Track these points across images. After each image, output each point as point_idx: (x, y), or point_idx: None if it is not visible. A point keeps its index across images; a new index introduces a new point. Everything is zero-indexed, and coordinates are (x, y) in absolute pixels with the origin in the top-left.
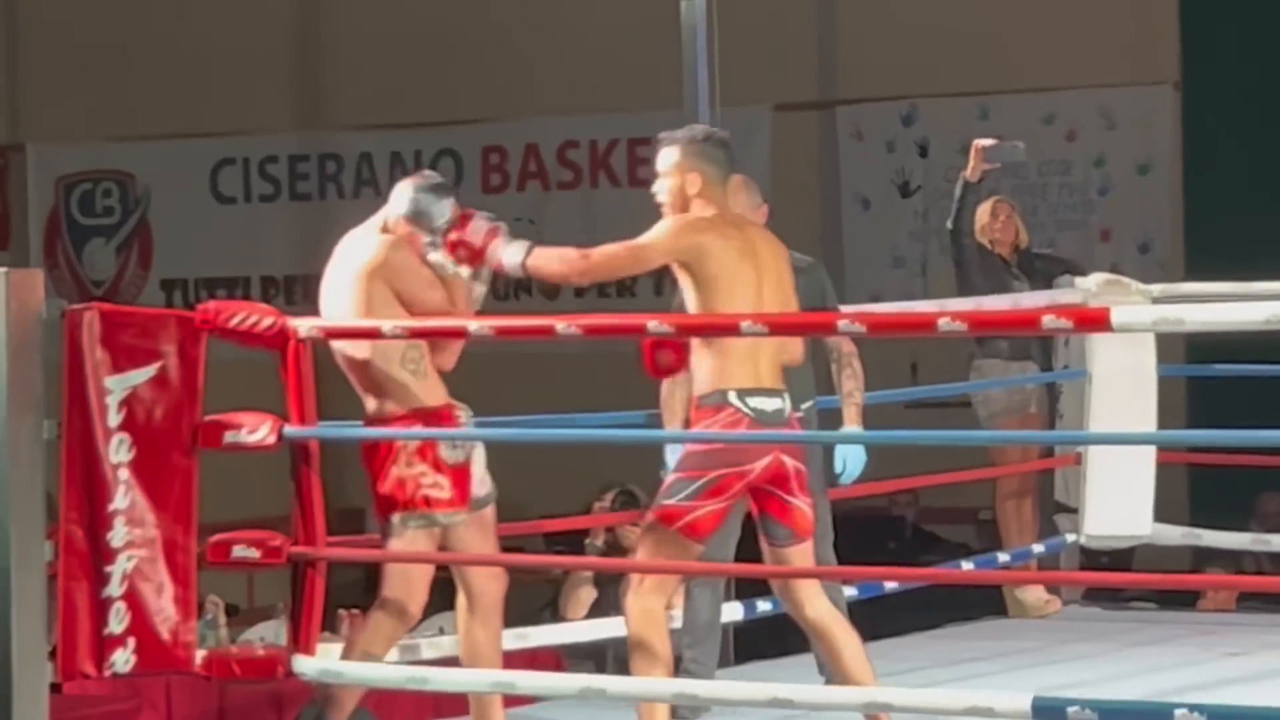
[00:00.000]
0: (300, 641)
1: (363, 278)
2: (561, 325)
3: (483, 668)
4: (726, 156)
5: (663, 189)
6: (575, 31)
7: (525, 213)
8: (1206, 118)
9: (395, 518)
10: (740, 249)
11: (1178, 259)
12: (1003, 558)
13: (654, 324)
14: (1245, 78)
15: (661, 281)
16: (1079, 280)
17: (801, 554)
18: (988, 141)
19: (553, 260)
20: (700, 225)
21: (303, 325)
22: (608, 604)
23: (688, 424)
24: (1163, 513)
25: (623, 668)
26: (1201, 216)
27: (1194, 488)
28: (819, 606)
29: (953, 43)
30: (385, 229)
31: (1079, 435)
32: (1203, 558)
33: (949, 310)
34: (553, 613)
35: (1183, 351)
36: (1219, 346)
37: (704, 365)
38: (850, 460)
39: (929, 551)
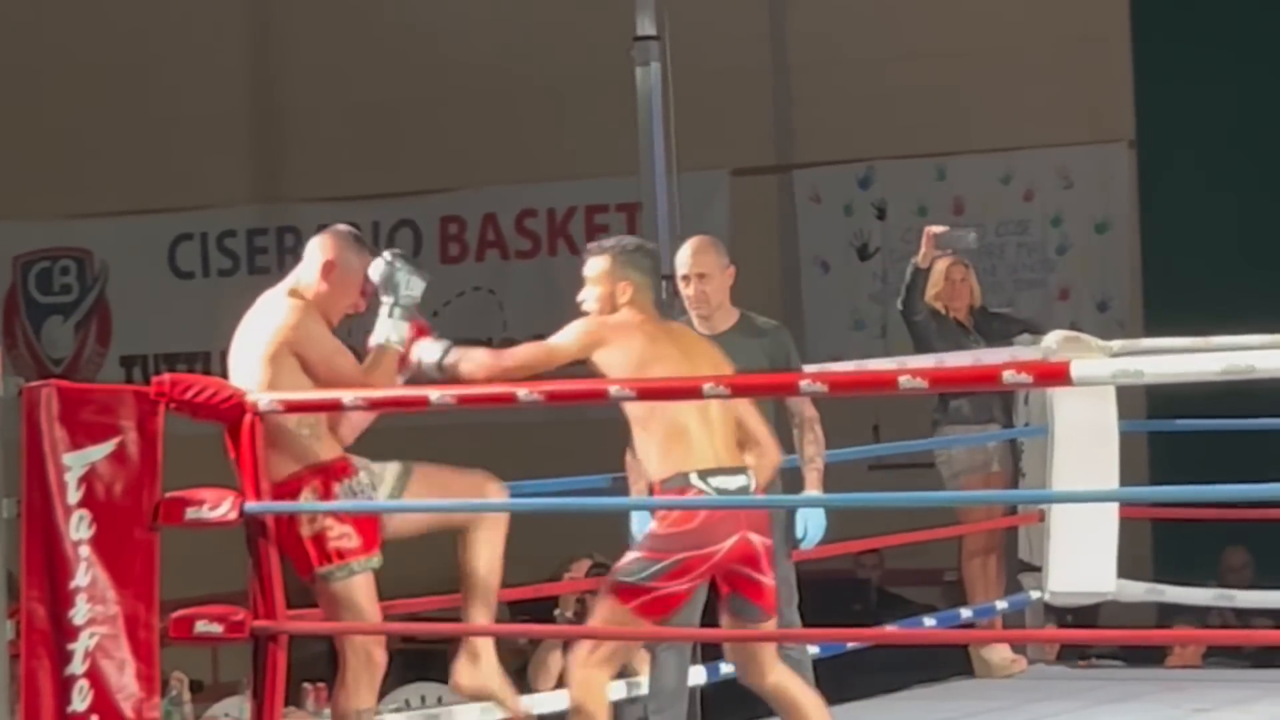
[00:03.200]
0: (264, 716)
1: (270, 347)
2: (523, 393)
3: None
4: (654, 266)
5: (591, 296)
6: (531, 100)
7: (485, 282)
8: (1163, 175)
9: (318, 574)
10: (659, 340)
11: (1136, 317)
12: (965, 614)
13: (615, 389)
14: (1200, 134)
15: None
16: (1038, 338)
17: (768, 629)
18: (939, 229)
19: (470, 361)
20: (611, 323)
21: (261, 398)
22: None
23: (651, 492)
24: (1127, 569)
25: None
26: (1159, 274)
27: (1158, 543)
28: (780, 672)
29: (908, 104)
30: (295, 293)
31: (1041, 494)
32: (1169, 614)
33: (909, 368)
34: (522, 683)
35: (1144, 407)
36: (1180, 401)
37: (653, 450)
38: (811, 525)
39: (894, 613)
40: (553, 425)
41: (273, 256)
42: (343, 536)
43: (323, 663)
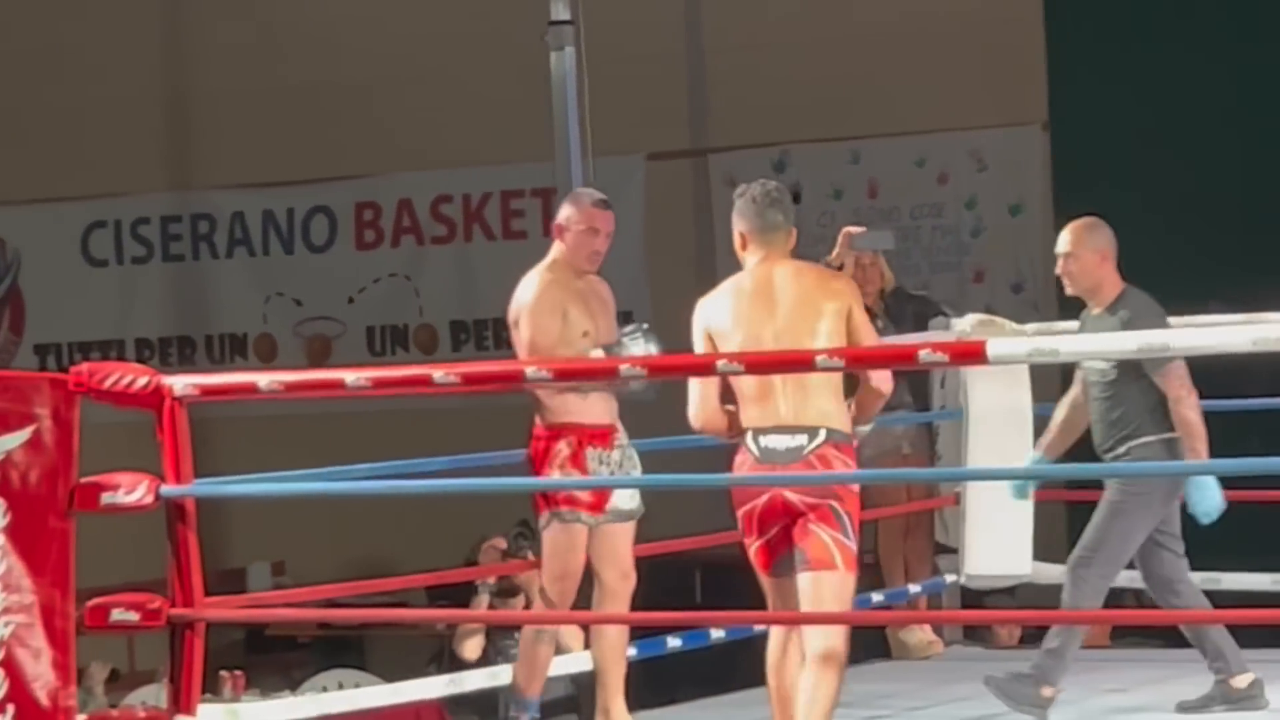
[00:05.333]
0: (181, 703)
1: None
2: (439, 375)
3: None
4: (758, 210)
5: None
6: (446, 86)
7: (400, 268)
8: (1076, 158)
9: (542, 516)
10: (743, 297)
11: (1050, 298)
12: (877, 597)
13: (532, 370)
14: (1113, 117)
15: None
16: (953, 321)
17: (818, 584)
18: (857, 230)
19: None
20: (705, 302)
21: (178, 384)
22: (495, 651)
23: None
24: (1043, 551)
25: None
26: None
27: (1073, 525)
28: (835, 636)
29: (823, 88)
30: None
31: (956, 473)
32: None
33: (827, 348)
34: (439, 666)
35: (1058, 390)
36: None
37: (742, 406)
38: (1207, 498)
39: None
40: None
41: (186, 244)
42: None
43: (240, 650)
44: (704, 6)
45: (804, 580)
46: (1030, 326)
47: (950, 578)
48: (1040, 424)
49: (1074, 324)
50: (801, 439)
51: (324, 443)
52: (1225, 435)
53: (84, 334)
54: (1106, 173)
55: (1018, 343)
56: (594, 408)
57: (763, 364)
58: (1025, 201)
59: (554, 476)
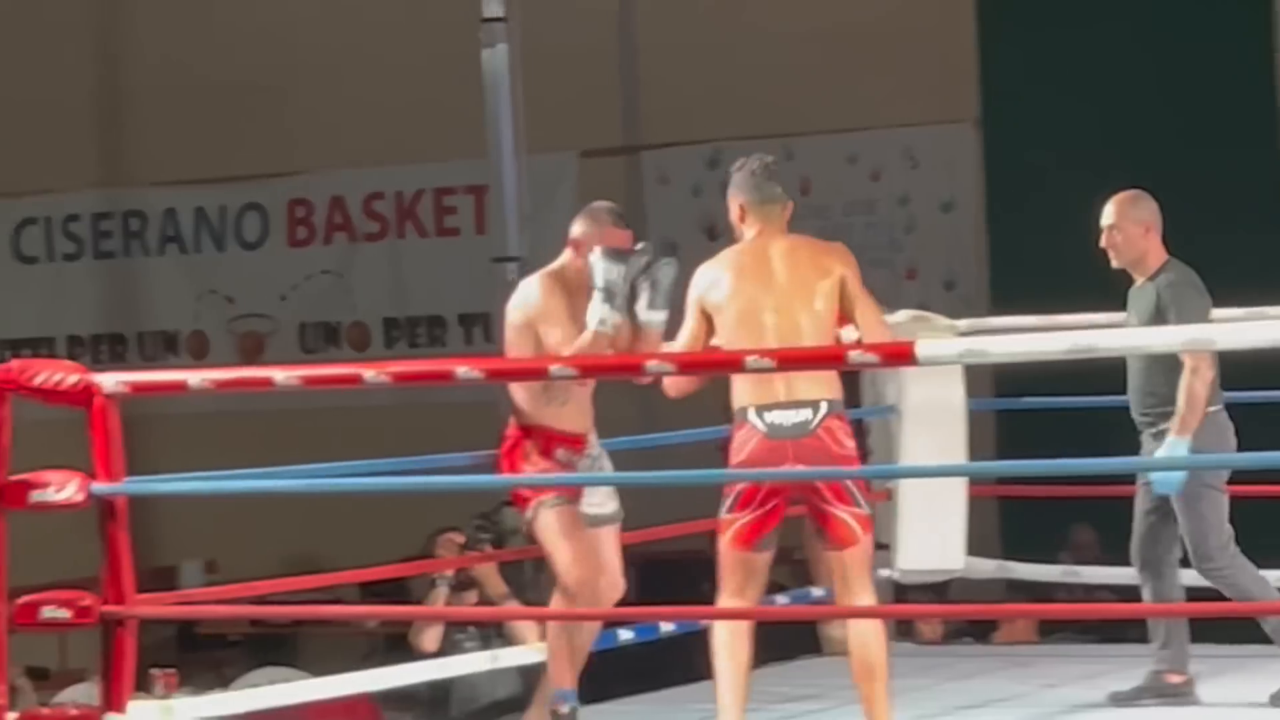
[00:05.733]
0: (113, 701)
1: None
2: (370, 374)
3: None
4: (757, 183)
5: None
6: (379, 83)
7: (333, 266)
8: (1008, 155)
9: (528, 512)
10: (744, 273)
11: (983, 295)
12: (816, 593)
13: (463, 369)
14: (1044, 114)
15: (470, 330)
16: (887, 318)
17: (845, 559)
18: None
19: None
20: (702, 271)
21: (108, 381)
22: (450, 644)
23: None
24: (975, 546)
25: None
26: (1005, 253)
27: (1006, 521)
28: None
29: (756, 85)
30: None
31: (886, 470)
32: (1013, 590)
33: (758, 348)
34: (372, 663)
35: (991, 385)
36: (1026, 379)
37: (735, 383)
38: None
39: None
40: (402, 409)
41: (118, 241)
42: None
43: (172, 648)
44: (637, 4)
45: (833, 558)
46: (963, 323)
47: (883, 573)
48: (973, 420)
49: (1006, 320)
50: (806, 413)
51: (256, 441)
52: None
53: (14, 331)
54: (1038, 170)
55: (948, 344)
56: (569, 416)
57: (692, 364)
58: (958, 199)
59: (525, 470)
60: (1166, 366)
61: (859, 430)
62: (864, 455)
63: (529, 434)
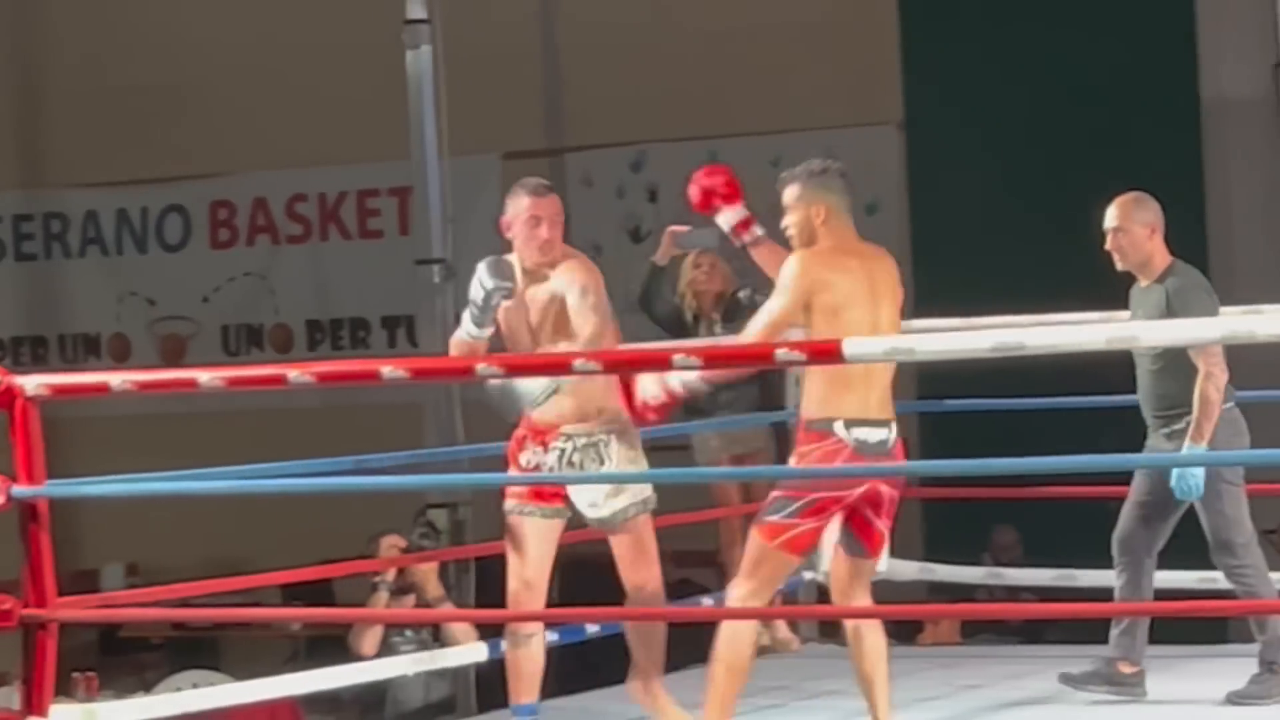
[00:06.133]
0: (34, 704)
1: None
2: (294, 374)
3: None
4: (846, 185)
5: (790, 223)
6: (302, 84)
7: (255, 268)
8: (931, 157)
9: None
10: (851, 275)
11: (906, 297)
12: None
13: (388, 370)
14: (968, 116)
15: (394, 332)
16: None
17: (864, 568)
18: (681, 228)
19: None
20: (813, 264)
21: (29, 384)
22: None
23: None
24: (898, 548)
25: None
26: (928, 255)
27: (929, 523)
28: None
29: (679, 87)
30: None
31: (814, 470)
32: (934, 591)
33: (684, 347)
34: (294, 666)
35: (914, 387)
36: (950, 382)
37: (815, 390)
38: (1190, 481)
39: (674, 594)
40: (326, 411)
41: (39, 243)
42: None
43: (94, 652)
44: (560, 5)
45: (851, 565)
46: None
47: (808, 575)
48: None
49: (929, 322)
50: (884, 432)
51: (178, 443)
52: (1083, 430)
53: None
54: (962, 172)
55: (875, 341)
56: (552, 406)
57: (617, 363)
58: (881, 201)
59: (510, 470)
60: (1177, 370)
61: (783, 433)
62: (783, 457)
63: (519, 427)
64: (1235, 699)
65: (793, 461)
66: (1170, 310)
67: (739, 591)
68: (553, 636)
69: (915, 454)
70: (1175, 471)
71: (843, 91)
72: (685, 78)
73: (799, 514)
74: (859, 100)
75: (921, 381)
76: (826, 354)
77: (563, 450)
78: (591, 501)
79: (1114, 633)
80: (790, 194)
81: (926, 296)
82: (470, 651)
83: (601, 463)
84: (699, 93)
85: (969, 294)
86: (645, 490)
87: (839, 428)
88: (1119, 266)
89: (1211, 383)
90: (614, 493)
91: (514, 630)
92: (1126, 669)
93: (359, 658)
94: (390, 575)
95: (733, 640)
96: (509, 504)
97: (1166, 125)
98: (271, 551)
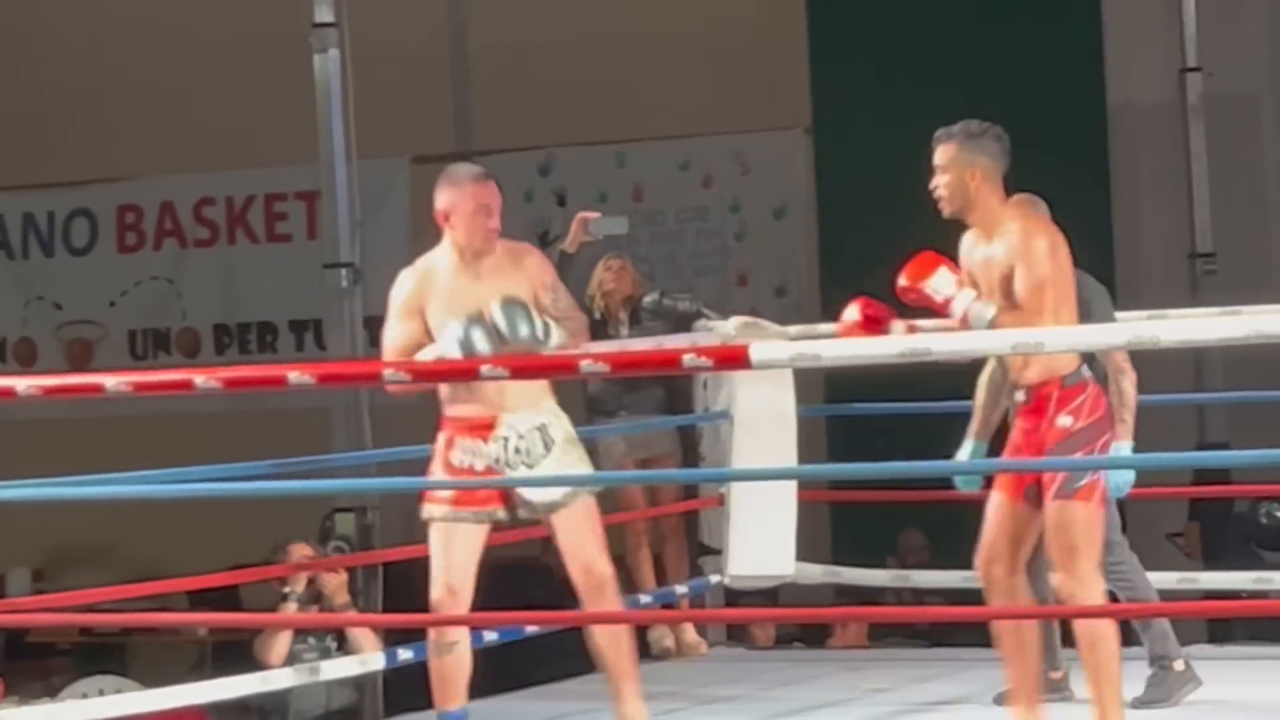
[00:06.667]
0: None
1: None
2: (201, 379)
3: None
4: (1003, 149)
5: (941, 183)
6: (209, 87)
7: (162, 271)
8: (839, 161)
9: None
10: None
11: (814, 302)
12: (645, 599)
13: (295, 375)
14: (875, 120)
15: (302, 337)
16: (717, 324)
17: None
18: (592, 215)
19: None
20: (1040, 224)
21: None
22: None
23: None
24: (806, 551)
25: None
26: (836, 259)
27: (836, 526)
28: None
29: (587, 92)
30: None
31: (714, 473)
32: (841, 595)
33: (591, 352)
34: (201, 672)
35: (822, 391)
36: (857, 385)
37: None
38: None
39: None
40: (233, 416)
41: None
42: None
43: None
44: (469, 9)
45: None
46: (793, 329)
47: (715, 578)
48: (804, 426)
49: (836, 326)
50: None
51: (85, 448)
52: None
53: None
54: (869, 176)
55: (781, 347)
56: (479, 396)
57: (526, 369)
58: (789, 205)
59: (435, 474)
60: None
61: (678, 436)
62: (697, 462)
63: (440, 428)
64: (1139, 704)
65: (1068, 421)
66: (1083, 312)
67: (1088, 570)
68: (492, 636)
69: (823, 457)
70: (1113, 476)
71: (751, 96)
72: (594, 82)
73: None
74: (767, 105)
75: (830, 385)
76: (733, 359)
77: (507, 439)
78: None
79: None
80: (945, 154)
81: (834, 300)
82: (372, 659)
83: (547, 447)
84: (608, 97)
85: (877, 297)
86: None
87: (1085, 370)
88: None
89: (1127, 378)
90: (571, 469)
91: (438, 638)
92: (1055, 675)
93: (265, 668)
94: (299, 587)
95: (1095, 641)
96: (435, 510)
97: (1073, 131)
98: (179, 557)
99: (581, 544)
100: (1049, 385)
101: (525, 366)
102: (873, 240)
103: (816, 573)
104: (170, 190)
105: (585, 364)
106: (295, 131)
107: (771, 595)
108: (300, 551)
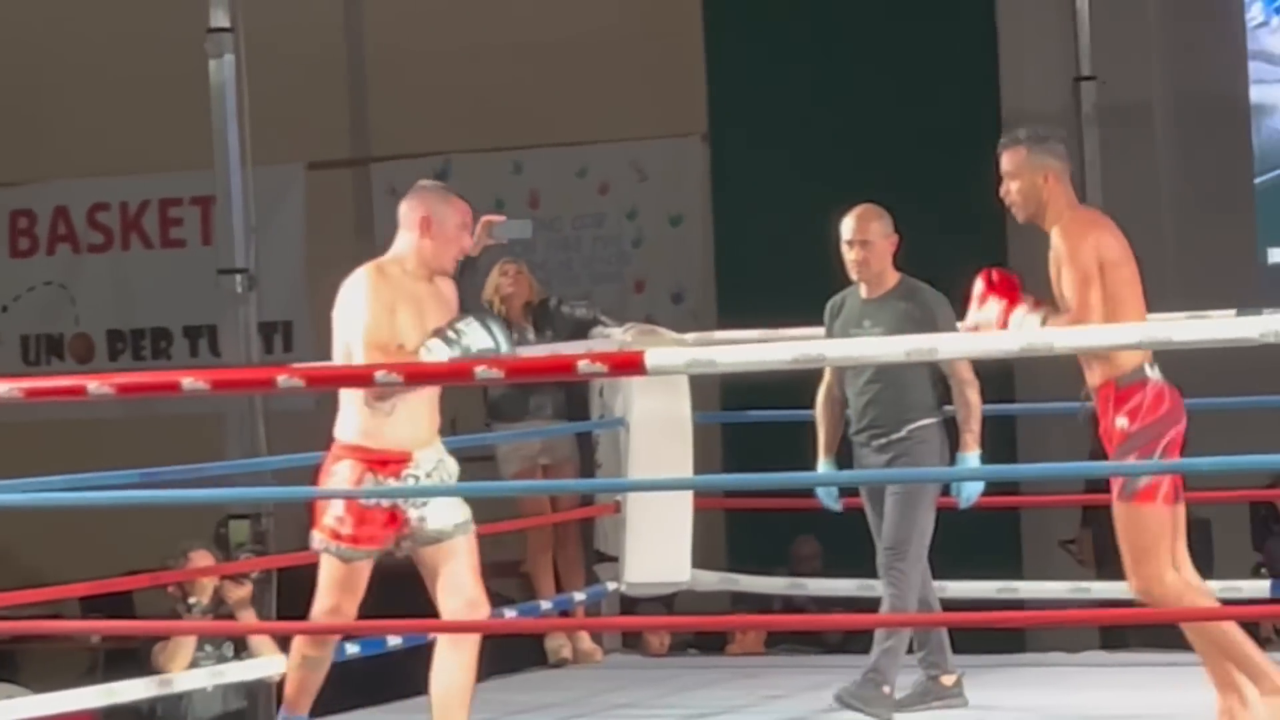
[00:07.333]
0: None
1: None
2: (94, 385)
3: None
4: (1067, 152)
5: (1013, 189)
6: (104, 92)
7: (56, 276)
8: (735, 168)
9: (314, 537)
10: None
11: (710, 308)
12: (545, 606)
13: (189, 381)
14: (771, 128)
15: (196, 343)
16: (613, 330)
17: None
18: (496, 218)
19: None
20: (1087, 223)
21: None
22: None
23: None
24: (702, 559)
25: None
26: (732, 265)
27: (732, 533)
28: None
29: (484, 99)
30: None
31: (610, 483)
32: (737, 602)
33: (486, 359)
34: (93, 678)
35: (718, 398)
36: (752, 392)
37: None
38: (967, 486)
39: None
40: (126, 423)
41: None
42: (339, 521)
43: None
44: (365, 15)
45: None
46: (690, 336)
47: (611, 585)
48: (700, 433)
49: (733, 333)
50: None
51: None
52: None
53: None
54: (766, 184)
55: (676, 353)
56: (394, 429)
57: (420, 375)
58: (685, 212)
59: (335, 507)
60: (912, 380)
61: (575, 443)
62: (592, 469)
63: (342, 456)
64: (898, 706)
65: (1124, 423)
66: (918, 318)
67: (1155, 573)
68: (354, 649)
69: (719, 464)
70: (965, 486)
71: (648, 104)
72: (491, 89)
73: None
74: (664, 112)
75: (726, 392)
76: (629, 366)
77: (416, 477)
78: (443, 511)
79: (924, 656)
80: (1015, 159)
81: (729, 308)
82: (269, 663)
83: (443, 481)
84: (504, 104)
85: (772, 305)
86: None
87: (1148, 369)
88: (856, 277)
89: (972, 388)
90: (460, 503)
91: (307, 654)
92: (948, 680)
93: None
94: (205, 599)
95: (1201, 630)
96: (328, 543)
97: (968, 139)
98: (70, 563)
99: (465, 576)
100: (1106, 387)
101: (418, 373)
102: (769, 247)
103: (712, 580)
104: (64, 195)
105: (480, 370)
106: (190, 137)
107: (668, 602)
108: (202, 560)
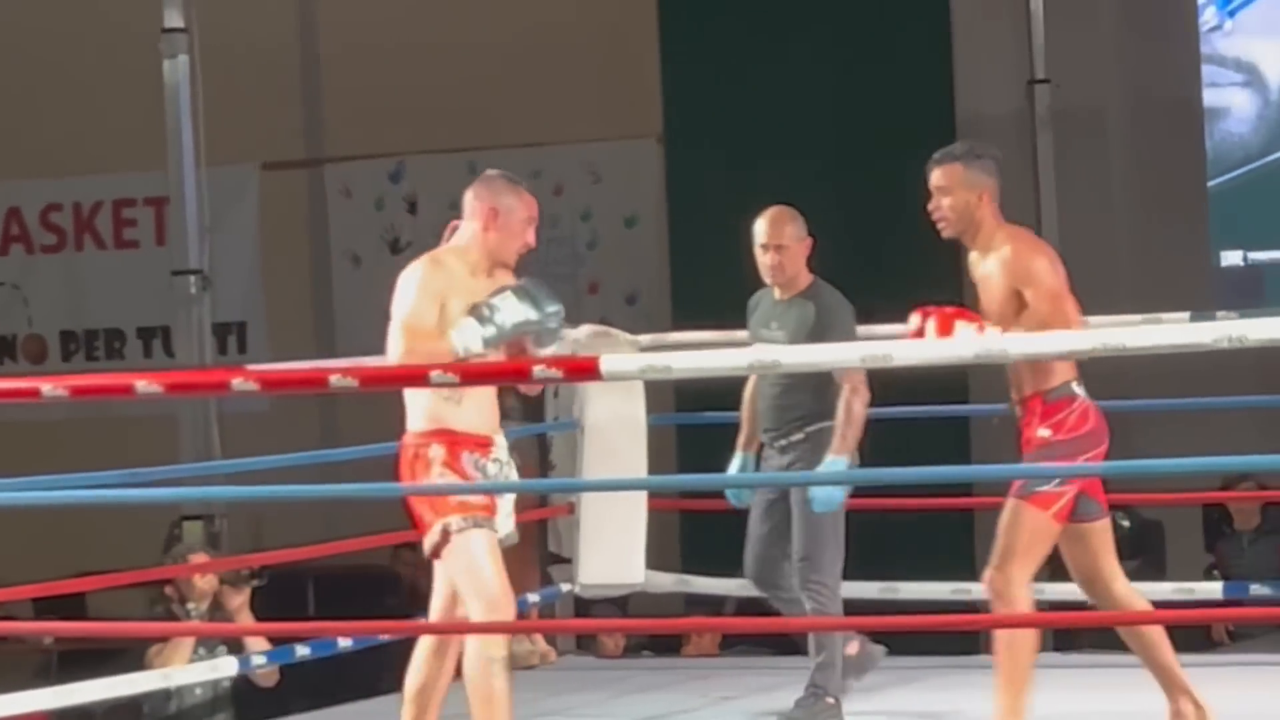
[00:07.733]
0: None
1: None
2: (48, 387)
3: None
4: (998, 170)
5: (945, 205)
6: (57, 92)
7: (9, 277)
8: (690, 170)
9: (433, 531)
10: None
11: (664, 310)
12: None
13: (143, 384)
14: (726, 130)
15: (150, 343)
16: (568, 332)
17: (1106, 529)
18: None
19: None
20: (1033, 241)
21: None
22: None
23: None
24: (656, 560)
25: None
26: (687, 268)
27: (686, 535)
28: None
29: (439, 100)
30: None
31: (565, 483)
32: (691, 604)
33: (440, 363)
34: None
35: (672, 400)
36: (707, 394)
37: (1031, 365)
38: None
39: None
40: (78, 424)
41: None
42: (462, 503)
43: None
44: (319, 16)
45: (1098, 528)
46: (644, 338)
47: (565, 587)
48: (654, 435)
49: (687, 335)
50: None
51: None
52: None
53: None
54: (721, 186)
55: (632, 359)
56: (467, 415)
57: (377, 379)
58: (640, 214)
59: (434, 478)
60: (804, 386)
61: (534, 444)
62: (546, 471)
63: (430, 439)
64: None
65: (1046, 433)
66: (821, 324)
67: (1015, 574)
68: (304, 650)
69: (672, 467)
70: (814, 489)
71: (603, 105)
72: (445, 90)
73: (1068, 480)
74: (619, 114)
75: (680, 394)
76: (584, 371)
77: (500, 461)
78: (509, 514)
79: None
80: (951, 175)
81: (684, 310)
82: (224, 664)
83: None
84: (459, 105)
85: (726, 306)
86: None
87: (1075, 386)
88: (769, 281)
89: (858, 397)
90: (511, 511)
91: (497, 654)
92: (830, 701)
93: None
94: (204, 605)
95: (1013, 642)
96: (463, 521)
97: (922, 142)
98: (23, 564)
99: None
100: (1034, 399)
101: (372, 378)
102: (723, 249)
103: (667, 582)
104: (17, 195)
105: (435, 374)
106: (144, 137)
107: (622, 604)
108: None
